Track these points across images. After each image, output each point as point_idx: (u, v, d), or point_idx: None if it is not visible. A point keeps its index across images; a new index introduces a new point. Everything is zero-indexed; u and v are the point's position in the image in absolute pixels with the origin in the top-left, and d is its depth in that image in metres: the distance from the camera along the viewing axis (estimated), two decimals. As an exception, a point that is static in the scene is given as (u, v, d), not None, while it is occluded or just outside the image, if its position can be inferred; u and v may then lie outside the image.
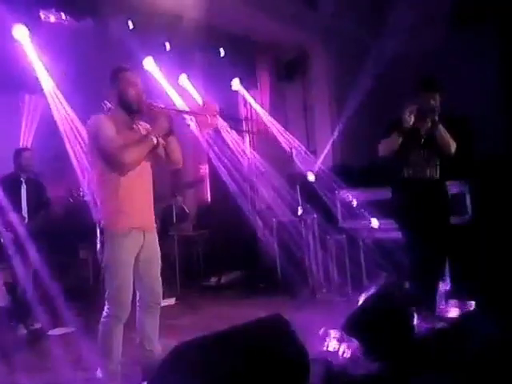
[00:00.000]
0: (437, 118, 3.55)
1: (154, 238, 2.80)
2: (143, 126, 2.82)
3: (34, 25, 4.33)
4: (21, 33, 4.45)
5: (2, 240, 4.23)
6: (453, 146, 3.64)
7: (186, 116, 3.17)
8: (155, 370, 1.95)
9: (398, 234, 4.52)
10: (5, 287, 4.42)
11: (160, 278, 2.82)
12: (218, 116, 2.86)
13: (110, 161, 2.59)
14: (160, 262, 2.84)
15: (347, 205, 5.40)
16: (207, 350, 1.95)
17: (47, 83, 4.94)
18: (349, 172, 6.00)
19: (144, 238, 2.71)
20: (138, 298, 2.79)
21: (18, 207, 4.43)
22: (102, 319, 2.64)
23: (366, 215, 5.20)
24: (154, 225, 2.86)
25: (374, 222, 5.14)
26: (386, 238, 5.01)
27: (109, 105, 2.79)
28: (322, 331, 3.12)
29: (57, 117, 5.05)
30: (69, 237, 5.08)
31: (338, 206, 5.43)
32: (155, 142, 2.62)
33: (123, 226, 2.63)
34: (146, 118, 2.81)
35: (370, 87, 5.97)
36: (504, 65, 5.86)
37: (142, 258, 2.72)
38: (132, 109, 2.69)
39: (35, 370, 3.31)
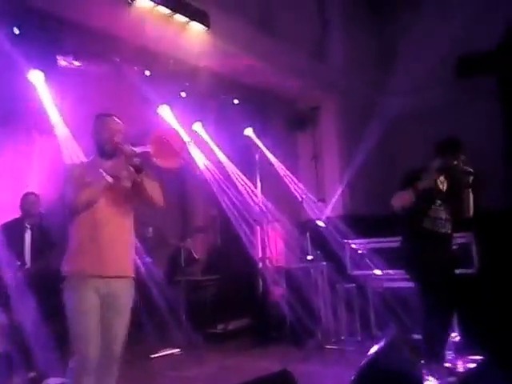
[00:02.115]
0: (470, 180, 3.58)
1: (124, 289, 2.63)
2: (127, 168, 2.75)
3: (49, 69, 4.36)
4: (36, 77, 4.47)
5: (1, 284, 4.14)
6: (472, 210, 3.68)
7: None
8: None
9: (407, 284, 4.50)
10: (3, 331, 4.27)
11: (122, 335, 2.62)
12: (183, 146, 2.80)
13: (65, 205, 2.59)
14: (128, 315, 2.65)
15: (356, 253, 5.38)
16: None
17: (60, 126, 4.89)
18: (357, 221, 6.03)
19: (110, 287, 2.55)
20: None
21: (20, 252, 4.38)
22: (66, 372, 2.56)
23: (376, 264, 5.17)
24: (128, 271, 2.68)
25: (377, 272, 5.11)
26: (395, 288, 4.97)
27: None
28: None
29: (67, 160, 4.92)
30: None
31: (347, 254, 5.42)
32: (109, 180, 2.54)
33: (79, 272, 2.52)
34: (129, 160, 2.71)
35: (379, 138, 6.09)
36: (506, 116, 5.97)
37: (107, 309, 2.55)
38: (105, 152, 2.69)
39: None
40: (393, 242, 4.52)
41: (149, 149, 2.66)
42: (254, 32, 5.72)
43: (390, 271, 5.03)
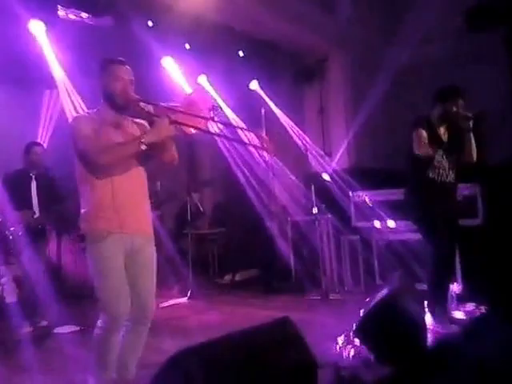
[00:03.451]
0: (471, 125, 3.60)
1: (145, 244, 2.55)
2: (139, 125, 2.62)
3: (51, 21, 4.27)
4: (37, 28, 4.38)
5: (11, 236, 4.15)
6: (475, 154, 3.71)
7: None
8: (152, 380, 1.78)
9: (411, 236, 4.57)
10: (14, 283, 4.41)
11: (152, 288, 2.55)
12: (213, 109, 2.50)
13: (84, 162, 2.42)
14: (154, 268, 2.57)
15: (361, 206, 5.43)
16: (208, 358, 1.79)
17: (62, 80, 4.88)
18: (363, 173, 6.04)
19: (132, 244, 2.47)
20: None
21: (28, 203, 4.33)
22: (94, 330, 2.45)
23: (380, 216, 5.22)
24: (149, 229, 2.60)
25: (390, 223, 5.16)
26: (399, 240, 5.04)
27: None
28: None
29: (69, 113, 4.97)
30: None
31: (352, 206, 5.48)
32: (143, 148, 2.35)
33: (101, 230, 2.41)
34: (142, 117, 2.57)
35: (385, 91, 6.00)
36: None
37: (131, 265, 2.47)
38: (117, 105, 2.49)
39: (39, 368, 3.20)
40: (397, 194, 4.56)
41: (179, 107, 2.47)
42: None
43: (395, 222, 5.09)
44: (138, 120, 2.62)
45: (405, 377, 2.49)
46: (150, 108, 2.50)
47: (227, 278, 6.45)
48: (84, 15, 4.43)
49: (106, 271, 2.40)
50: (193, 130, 2.48)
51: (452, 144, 3.75)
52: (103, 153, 2.37)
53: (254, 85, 6.82)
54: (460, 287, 4.32)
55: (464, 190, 4.35)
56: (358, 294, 5.11)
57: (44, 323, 4.24)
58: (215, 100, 2.56)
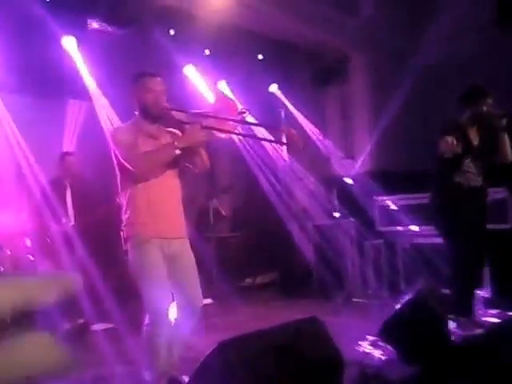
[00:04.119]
0: (505, 123, 3.50)
1: (182, 247, 2.72)
2: (172, 134, 2.76)
3: (80, 33, 4.54)
4: (69, 43, 4.68)
5: (49, 240, 4.40)
6: (510, 154, 3.62)
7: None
8: (198, 366, 1.99)
9: (436, 240, 4.52)
10: None
11: (199, 288, 2.74)
12: (242, 113, 2.64)
13: (124, 171, 2.58)
14: (195, 268, 2.75)
15: (385, 209, 5.40)
16: (246, 349, 2.01)
17: (93, 89, 5.15)
18: (387, 177, 5.96)
19: (169, 246, 2.63)
20: (177, 307, 2.72)
21: (63, 210, 4.54)
22: (144, 327, 2.63)
23: (404, 220, 5.19)
24: (184, 232, 2.76)
25: (414, 227, 5.12)
26: (424, 244, 5.00)
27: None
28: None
29: (103, 121, 5.22)
30: (115, 236, 5.23)
31: (376, 210, 5.44)
32: (177, 153, 2.53)
33: (141, 236, 2.58)
34: (175, 125, 2.73)
35: (409, 92, 5.92)
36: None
37: (174, 270, 2.64)
38: (150, 115, 2.64)
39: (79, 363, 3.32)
40: (421, 198, 4.52)
41: (209, 113, 2.61)
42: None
43: (420, 227, 5.05)
44: (170, 129, 2.77)
45: (430, 376, 2.51)
46: (182, 116, 2.64)
47: (248, 280, 6.47)
48: (109, 28, 4.58)
49: (146, 272, 2.55)
50: (222, 135, 2.60)
51: (483, 147, 3.66)
52: (141, 161, 2.53)
53: (274, 88, 6.83)
54: (488, 292, 4.27)
55: (494, 194, 4.26)
56: (382, 297, 5.09)
57: (81, 321, 4.41)
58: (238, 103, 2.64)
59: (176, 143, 2.53)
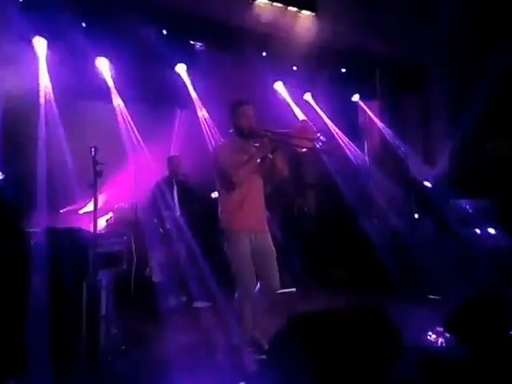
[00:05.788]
0: None
1: (264, 237, 3.36)
2: (257, 147, 3.40)
3: (191, 61, 5.66)
4: (180, 69, 5.86)
5: (161, 230, 5.35)
6: None
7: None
8: (274, 334, 2.55)
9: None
10: (159, 266, 5.35)
11: (276, 268, 3.33)
12: (315, 139, 3.29)
13: (223, 179, 3.29)
14: (275, 254, 3.37)
15: (462, 212, 5.57)
16: (310, 322, 2.43)
17: (196, 101, 6.18)
18: (465, 181, 6.09)
19: (255, 237, 3.29)
20: (257, 288, 3.32)
21: (172, 204, 5.46)
22: (233, 302, 3.30)
23: (481, 223, 5.33)
24: (266, 226, 3.41)
25: (491, 230, 5.28)
26: (500, 246, 5.14)
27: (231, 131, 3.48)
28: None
29: (204, 129, 6.22)
30: (211, 226, 5.94)
31: (453, 213, 5.63)
32: (258, 161, 3.27)
33: (235, 229, 3.27)
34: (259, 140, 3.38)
35: (488, 97, 6.03)
36: None
37: (256, 253, 3.28)
38: (244, 135, 3.34)
39: (186, 330, 4.13)
40: (499, 202, 4.65)
41: (290, 132, 3.35)
42: (358, 10, 6.09)
43: (496, 230, 5.20)
44: (257, 144, 3.42)
45: (487, 363, 2.72)
46: (269, 134, 3.33)
47: (330, 273, 6.79)
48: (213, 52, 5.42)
49: (239, 259, 3.25)
50: (299, 149, 3.35)
51: None
52: (237, 170, 3.23)
53: (356, 97, 7.25)
54: None
55: None
56: (458, 295, 5.21)
57: (184, 299, 5.19)
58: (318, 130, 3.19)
59: (255, 155, 3.25)
